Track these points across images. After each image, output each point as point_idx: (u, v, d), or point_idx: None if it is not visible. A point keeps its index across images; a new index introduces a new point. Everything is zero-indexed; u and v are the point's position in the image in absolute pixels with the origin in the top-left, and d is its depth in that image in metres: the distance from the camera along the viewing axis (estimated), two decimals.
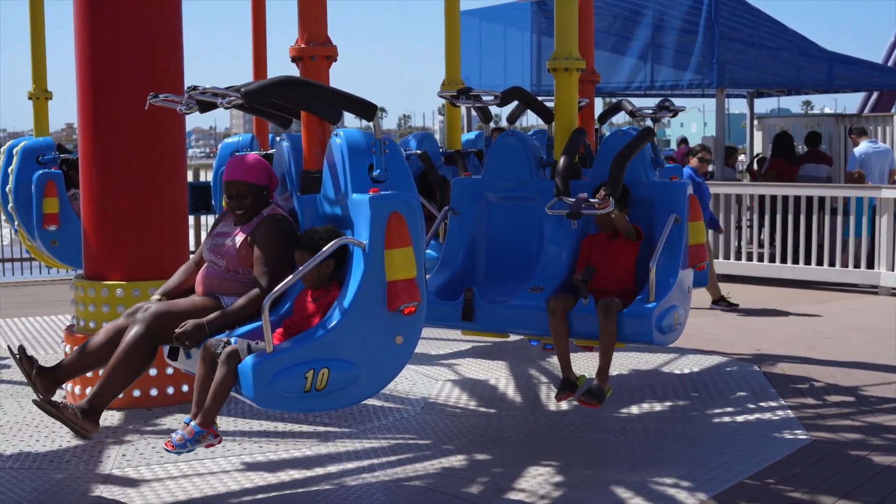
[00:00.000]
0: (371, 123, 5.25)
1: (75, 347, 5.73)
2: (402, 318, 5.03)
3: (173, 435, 5.11)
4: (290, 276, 5.00)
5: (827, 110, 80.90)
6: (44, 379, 5.46)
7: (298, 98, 5.37)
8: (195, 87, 5.12)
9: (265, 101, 5.37)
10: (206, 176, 17.38)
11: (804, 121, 19.21)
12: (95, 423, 5.36)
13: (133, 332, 5.32)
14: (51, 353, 9.20)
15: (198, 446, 5.12)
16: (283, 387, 4.82)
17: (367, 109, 5.28)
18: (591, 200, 6.35)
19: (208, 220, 14.69)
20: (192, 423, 5.09)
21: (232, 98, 5.06)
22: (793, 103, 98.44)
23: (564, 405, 7.40)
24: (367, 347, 4.99)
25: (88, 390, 7.13)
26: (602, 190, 6.34)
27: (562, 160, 6.59)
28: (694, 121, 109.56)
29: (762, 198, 13.54)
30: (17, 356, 5.46)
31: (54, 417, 5.30)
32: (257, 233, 5.48)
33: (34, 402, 5.36)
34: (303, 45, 5.59)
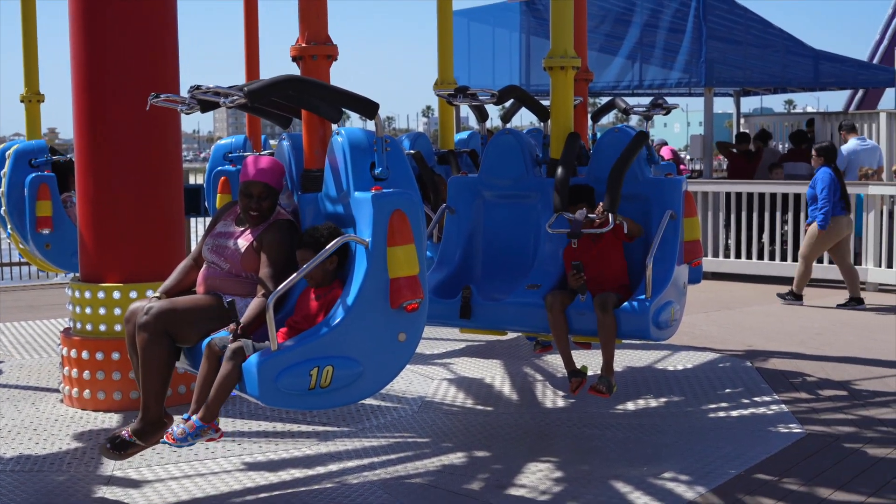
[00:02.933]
0: (372, 122, 5.29)
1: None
2: (404, 315, 5.07)
3: (174, 428, 5.14)
4: (294, 275, 5.03)
5: (809, 109, 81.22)
6: (147, 434, 5.45)
7: (301, 97, 5.41)
8: (198, 87, 5.14)
9: (267, 100, 5.39)
10: (195, 179, 17.39)
11: (791, 119, 19.33)
12: (160, 427, 5.42)
13: (142, 339, 5.33)
14: (45, 356, 9.19)
15: (198, 440, 5.14)
16: (287, 384, 4.85)
17: (369, 107, 5.31)
18: (591, 216, 6.42)
19: (198, 223, 14.69)
20: (194, 417, 5.11)
21: (235, 97, 5.08)
22: (775, 102, 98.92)
23: (561, 402, 7.45)
24: (370, 344, 5.02)
25: (86, 393, 7.19)
26: (600, 206, 6.42)
27: (558, 173, 6.64)
28: (677, 121, 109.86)
29: (749, 195, 13.60)
30: (112, 447, 5.44)
31: (126, 457, 5.51)
32: (265, 238, 5.48)
33: (104, 452, 5.49)
34: (304, 45, 5.62)
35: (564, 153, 6.72)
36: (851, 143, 14.33)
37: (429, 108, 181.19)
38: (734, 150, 15.80)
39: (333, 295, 5.19)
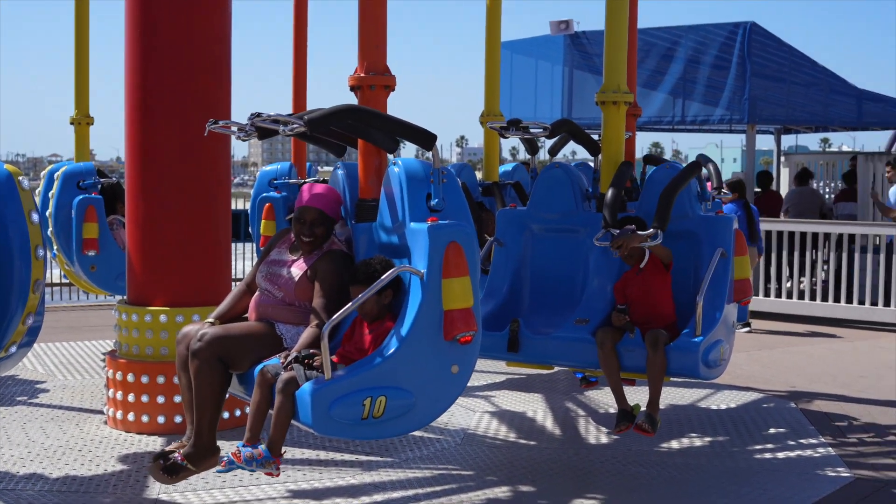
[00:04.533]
0: (430, 153, 5.30)
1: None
2: (458, 347, 5.05)
3: (243, 450, 5.11)
4: (349, 304, 5.03)
5: (845, 147, 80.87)
6: (199, 460, 5.44)
7: (359, 126, 5.42)
8: (258, 114, 5.16)
9: (325, 128, 5.41)
10: (234, 204, 17.43)
11: (828, 157, 19.24)
12: (213, 454, 5.45)
13: (194, 366, 5.32)
14: (87, 378, 9.22)
15: (260, 470, 5.13)
16: (340, 414, 4.84)
17: (426, 139, 5.32)
18: (640, 234, 6.36)
19: (237, 248, 14.70)
20: (262, 446, 5.10)
21: (295, 125, 5.09)
22: (811, 140, 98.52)
23: (604, 438, 7.40)
24: (423, 376, 5.01)
25: (130, 415, 7.20)
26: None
27: (609, 192, 6.61)
28: (712, 156, 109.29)
29: (791, 234, 13.54)
30: (164, 470, 5.42)
31: (176, 481, 5.48)
32: (319, 267, 5.48)
33: (154, 472, 5.46)
34: (362, 74, 5.64)
35: (616, 176, 6.69)
36: None
37: (462, 138, 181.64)
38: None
39: (385, 328, 5.18)
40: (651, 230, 6.35)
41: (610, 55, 6.89)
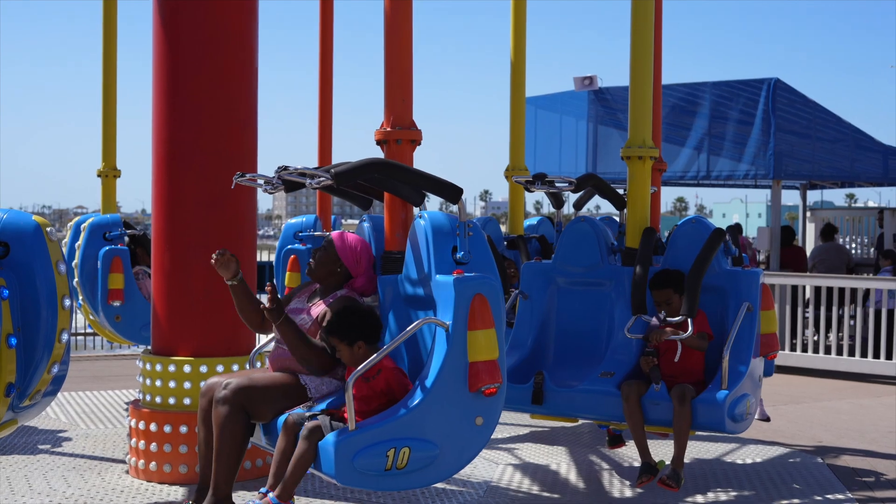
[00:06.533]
0: (456, 207, 5.34)
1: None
2: (482, 399, 5.06)
3: (252, 501, 5.12)
4: (374, 356, 5.05)
5: (871, 203, 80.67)
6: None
7: (385, 180, 5.46)
8: (285, 168, 5.21)
9: (352, 182, 5.46)
10: (259, 256, 17.54)
11: (857, 213, 19.19)
12: None
13: (219, 413, 5.34)
14: (110, 427, 9.23)
15: None
16: (364, 465, 4.85)
17: (453, 192, 5.36)
18: (670, 320, 6.41)
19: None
20: (271, 494, 5.10)
21: (321, 178, 5.15)
22: (836, 195, 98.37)
23: (628, 492, 7.34)
24: (447, 427, 5.02)
25: (152, 465, 7.20)
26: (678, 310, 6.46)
27: (636, 272, 6.65)
28: (736, 211, 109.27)
29: (817, 289, 13.49)
30: None
31: None
32: (332, 309, 5.52)
33: None
34: (388, 129, 5.69)
35: (641, 251, 6.72)
36: None
37: (486, 191, 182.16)
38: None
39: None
40: (680, 318, 6.39)
41: (635, 110, 6.94)
